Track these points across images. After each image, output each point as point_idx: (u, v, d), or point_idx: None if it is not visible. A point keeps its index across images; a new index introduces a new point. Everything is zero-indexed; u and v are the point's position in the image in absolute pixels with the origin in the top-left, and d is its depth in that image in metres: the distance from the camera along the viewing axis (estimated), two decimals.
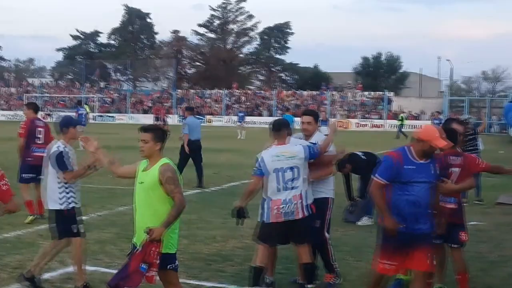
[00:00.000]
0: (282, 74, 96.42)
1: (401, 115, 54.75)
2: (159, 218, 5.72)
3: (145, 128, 5.91)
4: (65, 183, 7.32)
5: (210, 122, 66.72)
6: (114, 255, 8.95)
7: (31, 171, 11.17)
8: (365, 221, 11.79)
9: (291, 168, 6.97)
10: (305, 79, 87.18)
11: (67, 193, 7.37)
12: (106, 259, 8.73)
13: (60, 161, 7.25)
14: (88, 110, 68.37)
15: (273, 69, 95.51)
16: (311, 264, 7.21)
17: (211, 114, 70.92)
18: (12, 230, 10.32)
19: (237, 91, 77.96)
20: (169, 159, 5.98)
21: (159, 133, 5.99)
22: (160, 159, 5.90)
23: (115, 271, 7.60)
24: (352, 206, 12.06)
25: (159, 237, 5.64)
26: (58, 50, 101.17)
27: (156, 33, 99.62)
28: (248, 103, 73.41)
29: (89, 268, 8.00)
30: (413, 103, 70.54)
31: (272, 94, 73.06)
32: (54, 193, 7.36)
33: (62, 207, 7.34)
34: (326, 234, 7.62)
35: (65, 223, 7.37)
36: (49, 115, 65.36)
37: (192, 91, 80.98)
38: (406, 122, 52.52)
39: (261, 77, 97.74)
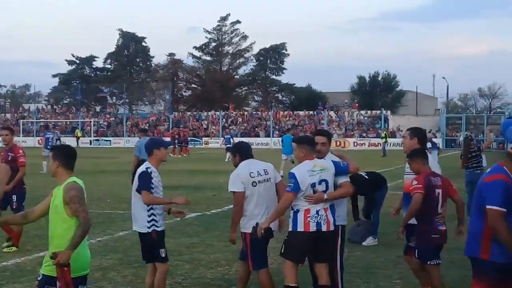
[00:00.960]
0: (278, 95, 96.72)
1: (384, 132, 54.53)
2: (67, 240, 5.46)
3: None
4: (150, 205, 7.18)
5: (207, 144, 66.64)
6: (117, 282, 8.76)
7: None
8: (370, 241, 11.60)
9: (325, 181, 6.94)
10: (301, 99, 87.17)
11: (155, 215, 7.22)
12: (108, 287, 8.53)
13: (142, 179, 7.11)
14: (79, 134, 68.67)
15: (269, 89, 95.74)
16: (328, 286, 7.01)
17: (208, 136, 70.77)
18: (11, 258, 10.09)
19: (233, 112, 77.89)
20: (78, 178, 5.73)
21: (56, 152, 5.81)
22: (67, 179, 5.66)
23: None
24: (358, 225, 11.94)
25: (66, 261, 5.35)
26: (54, 76, 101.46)
27: (152, 57, 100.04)
28: (245, 124, 73.30)
29: None
30: (410, 121, 70.28)
31: (269, 114, 72.98)
32: (140, 215, 7.23)
33: (150, 230, 7.20)
34: (338, 267, 7.42)
35: (153, 247, 7.25)
36: (58, 139, 64.92)
37: (188, 113, 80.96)
38: (389, 140, 52.24)
39: (258, 98, 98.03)
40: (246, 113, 79.64)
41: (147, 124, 76.07)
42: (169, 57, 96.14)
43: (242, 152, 7.42)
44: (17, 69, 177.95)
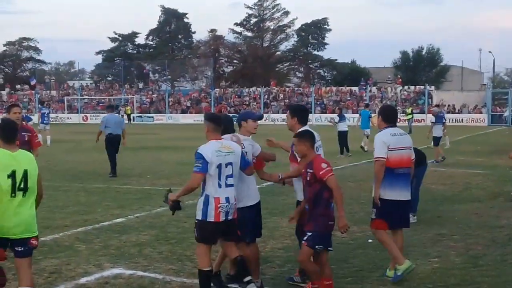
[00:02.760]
0: (320, 71, 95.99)
1: (410, 108, 53.35)
2: None
3: None
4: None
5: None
6: (152, 258, 8.73)
7: None
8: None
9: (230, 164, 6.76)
10: (344, 75, 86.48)
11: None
12: (144, 262, 8.49)
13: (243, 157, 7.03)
14: (129, 111, 69.22)
15: (311, 65, 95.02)
16: (241, 256, 6.90)
17: None
18: (50, 234, 10.11)
19: (275, 88, 77.56)
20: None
21: None
22: None
23: (152, 275, 7.79)
24: None
25: None
26: (98, 53, 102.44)
27: (193, 33, 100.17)
28: (286, 101, 72.93)
29: (126, 271, 7.92)
30: (455, 96, 69.31)
31: (311, 90, 72.44)
32: (253, 188, 7.28)
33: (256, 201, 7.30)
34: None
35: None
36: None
37: (230, 89, 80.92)
38: (415, 116, 51.00)
39: (299, 74, 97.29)
40: (287, 89, 79.27)
41: (189, 101, 76.34)
42: (210, 33, 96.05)
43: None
44: (62, 46, 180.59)
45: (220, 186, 6.62)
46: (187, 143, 31.15)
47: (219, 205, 6.58)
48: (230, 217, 6.68)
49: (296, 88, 79.56)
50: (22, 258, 6.06)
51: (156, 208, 12.41)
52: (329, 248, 6.83)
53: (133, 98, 76.81)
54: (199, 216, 6.67)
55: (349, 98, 71.23)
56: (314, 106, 68.09)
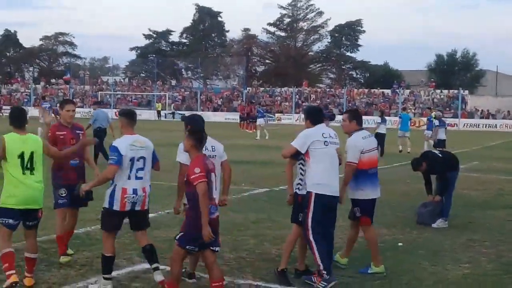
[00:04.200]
0: (352, 72, 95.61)
1: (433, 113, 52.05)
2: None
3: None
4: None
5: (279, 120, 66.35)
6: None
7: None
8: (440, 223, 11.21)
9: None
10: (376, 77, 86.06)
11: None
12: None
13: None
14: (159, 108, 69.71)
15: (343, 67, 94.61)
16: (152, 245, 7.25)
17: (281, 112, 70.55)
18: (82, 227, 10.08)
19: (306, 89, 77.25)
20: (10, 134, 7.05)
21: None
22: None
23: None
24: (424, 207, 11.49)
25: None
26: (132, 49, 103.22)
27: (226, 31, 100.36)
28: (318, 101, 72.64)
29: (152, 266, 7.82)
30: (489, 101, 68.44)
31: (343, 92, 72.04)
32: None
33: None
34: (310, 235, 7.29)
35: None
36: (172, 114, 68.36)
37: (261, 89, 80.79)
38: (466, 120, 49.65)
39: (331, 75, 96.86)
40: (319, 90, 78.80)
41: (221, 99, 76.38)
42: (243, 32, 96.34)
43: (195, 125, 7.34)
44: (97, 42, 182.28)
45: (129, 178, 6.95)
46: (218, 141, 30.94)
47: (125, 196, 6.91)
48: (137, 208, 7.00)
49: (328, 89, 79.16)
50: (30, 229, 7.16)
51: (187, 205, 12.46)
52: (213, 248, 6.64)
53: (165, 95, 77.12)
54: (105, 205, 7.00)
55: (381, 100, 70.68)
56: (346, 107, 67.66)
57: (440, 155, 11.59)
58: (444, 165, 11.18)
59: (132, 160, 6.92)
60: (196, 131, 6.83)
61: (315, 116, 7.64)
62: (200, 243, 6.49)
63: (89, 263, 8.16)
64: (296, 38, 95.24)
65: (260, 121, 38.04)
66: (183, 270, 7.14)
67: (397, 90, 71.24)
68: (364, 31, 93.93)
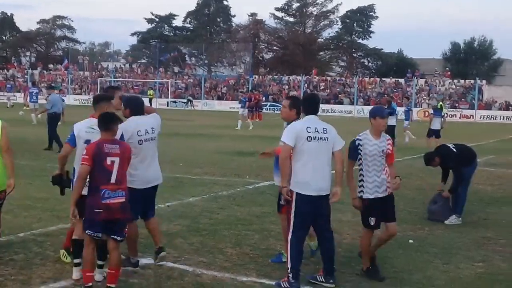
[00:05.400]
0: (364, 60, 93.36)
1: (440, 103, 48.50)
2: None
3: None
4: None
5: None
6: (183, 249, 8.54)
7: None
8: (453, 220, 10.96)
9: None
10: (389, 65, 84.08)
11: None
12: (174, 253, 8.25)
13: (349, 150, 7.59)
14: (151, 95, 66.40)
15: (354, 54, 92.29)
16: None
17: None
18: None
19: (316, 77, 74.35)
20: None
21: None
22: None
23: (182, 267, 7.67)
24: (434, 203, 11.25)
25: None
26: (133, 34, 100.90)
27: (232, 16, 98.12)
28: (327, 91, 69.58)
29: (155, 263, 7.73)
30: (507, 92, 65.65)
31: (354, 81, 68.98)
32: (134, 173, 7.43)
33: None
34: (290, 234, 7.12)
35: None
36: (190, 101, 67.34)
37: (269, 76, 78.11)
38: (482, 112, 46.30)
39: (342, 63, 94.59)
40: (329, 78, 75.90)
41: (226, 87, 73.52)
42: (250, 17, 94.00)
43: (133, 108, 7.57)
44: (97, 26, 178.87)
45: None
46: (223, 131, 31.91)
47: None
48: None
49: (338, 78, 76.23)
50: None
51: (188, 198, 12.38)
52: (114, 237, 6.56)
53: (168, 82, 74.15)
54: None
55: (394, 90, 67.59)
56: (357, 97, 64.68)
57: (454, 150, 11.25)
58: (458, 161, 11.02)
59: (87, 142, 6.86)
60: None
61: (308, 105, 7.41)
62: (96, 229, 6.50)
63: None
64: (305, 24, 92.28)
65: (241, 110, 37.40)
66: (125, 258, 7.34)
67: (411, 80, 68.04)
68: (376, 17, 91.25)
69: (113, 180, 6.46)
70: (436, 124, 24.62)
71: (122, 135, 7.03)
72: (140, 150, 7.34)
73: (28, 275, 7.12)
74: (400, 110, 34.81)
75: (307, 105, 7.41)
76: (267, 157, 8.77)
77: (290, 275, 7.00)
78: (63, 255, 7.65)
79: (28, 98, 33.58)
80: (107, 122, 6.58)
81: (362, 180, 7.50)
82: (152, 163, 7.56)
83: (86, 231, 6.55)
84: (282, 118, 7.90)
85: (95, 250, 6.67)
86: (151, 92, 67.73)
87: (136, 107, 7.53)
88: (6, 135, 7.36)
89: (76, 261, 7.03)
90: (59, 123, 20.57)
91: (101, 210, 6.40)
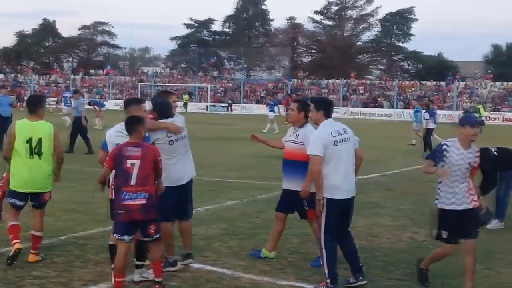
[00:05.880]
0: (404, 63, 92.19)
1: (479, 106, 46.97)
2: None
3: None
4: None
5: None
6: (221, 252, 8.54)
7: None
8: (495, 224, 10.74)
9: None
10: (429, 68, 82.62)
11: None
12: (212, 257, 8.31)
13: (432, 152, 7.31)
14: (186, 99, 66.67)
15: (394, 57, 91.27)
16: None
17: None
18: None
19: (354, 81, 73.83)
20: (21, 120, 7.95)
21: None
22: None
23: (220, 270, 7.66)
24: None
25: None
26: (172, 39, 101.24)
27: (271, 20, 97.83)
28: (366, 94, 69.10)
29: (194, 265, 7.81)
30: None
31: (393, 84, 68.31)
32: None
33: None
34: (322, 236, 7.01)
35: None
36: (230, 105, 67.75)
37: (307, 80, 77.71)
38: (485, 113, 44.44)
39: (381, 66, 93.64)
40: (368, 82, 75.28)
41: (264, 91, 73.48)
42: (288, 21, 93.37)
43: (160, 111, 7.59)
44: (137, 31, 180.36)
45: None
46: (261, 135, 30.43)
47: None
48: None
49: (377, 82, 75.62)
50: (37, 209, 7.87)
51: (227, 201, 12.38)
52: (147, 239, 6.73)
53: (207, 86, 74.46)
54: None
55: (434, 93, 66.77)
56: (397, 100, 64.05)
57: (495, 153, 10.96)
58: (497, 164, 10.71)
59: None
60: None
61: (330, 107, 7.34)
62: (120, 231, 6.58)
63: (127, 259, 7.29)
64: (344, 27, 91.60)
65: (271, 114, 36.97)
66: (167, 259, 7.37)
67: (451, 82, 67.16)
68: (416, 20, 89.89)
69: (132, 182, 6.53)
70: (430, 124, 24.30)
71: (148, 137, 7.13)
72: (172, 150, 7.41)
73: (69, 278, 7.18)
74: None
75: (328, 108, 7.29)
76: (256, 140, 8.70)
77: (328, 280, 6.94)
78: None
79: (62, 102, 33.97)
80: (130, 125, 6.71)
81: (439, 188, 7.14)
82: (184, 161, 7.61)
83: (114, 235, 6.72)
84: (291, 121, 8.02)
85: (127, 255, 6.71)
86: (186, 96, 68.11)
87: (162, 110, 7.55)
88: (58, 139, 7.90)
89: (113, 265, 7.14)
90: (86, 126, 21.45)
91: (122, 212, 6.53)
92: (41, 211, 7.87)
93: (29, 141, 7.58)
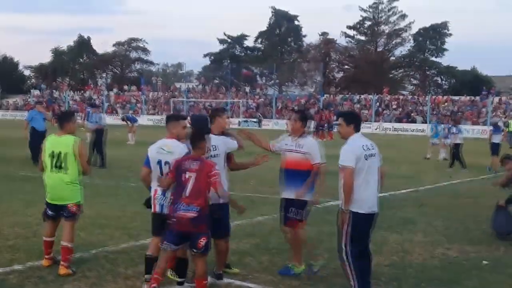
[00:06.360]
0: (437, 78, 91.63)
1: (509, 120, 45.59)
2: None
3: None
4: None
5: None
6: (252, 267, 8.55)
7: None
8: None
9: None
10: (463, 83, 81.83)
11: None
12: (243, 272, 8.30)
13: None
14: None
15: (427, 72, 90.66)
16: (181, 259, 7.27)
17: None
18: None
19: (387, 96, 73.29)
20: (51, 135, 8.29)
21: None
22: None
23: (251, 285, 7.70)
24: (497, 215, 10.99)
25: None
26: (206, 55, 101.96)
27: (303, 36, 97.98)
28: (400, 109, 68.51)
29: (224, 279, 7.82)
30: None
31: (427, 99, 67.67)
32: None
33: None
34: (345, 249, 6.98)
35: None
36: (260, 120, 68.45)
37: (340, 96, 77.35)
38: None
39: (414, 81, 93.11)
40: (401, 97, 74.65)
41: (296, 106, 73.37)
42: (321, 36, 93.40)
43: (197, 126, 7.67)
44: (171, 47, 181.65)
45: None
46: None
47: (155, 196, 7.19)
48: (165, 211, 7.07)
49: (410, 97, 75.00)
50: (66, 220, 8.07)
51: (258, 216, 12.29)
52: (193, 250, 6.91)
53: (239, 102, 74.64)
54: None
55: (468, 108, 65.97)
56: (430, 116, 63.45)
57: None
58: None
59: (159, 163, 7.18)
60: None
61: (359, 122, 7.37)
62: (167, 239, 6.86)
63: None
64: (377, 42, 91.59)
65: None
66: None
67: (486, 97, 66.24)
68: (450, 34, 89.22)
69: (187, 193, 6.77)
70: (496, 139, 24.30)
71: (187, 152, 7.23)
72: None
73: (70, 271, 7.36)
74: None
75: (358, 122, 7.32)
76: (245, 136, 8.48)
77: None
78: (170, 274, 7.66)
79: (86, 118, 34.48)
80: (193, 141, 7.04)
81: None
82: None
83: (163, 243, 6.90)
84: (291, 130, 8.21)
85: (167, 262, 6.96)
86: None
87: (202, 126, 7.66)
88: (82, 154, 8.10)
89: (146, 277, 7.17)
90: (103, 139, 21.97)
91: (174, 220, 6.79)
92: (70, 222, 8.03)
93: (53, 155, 7.91)
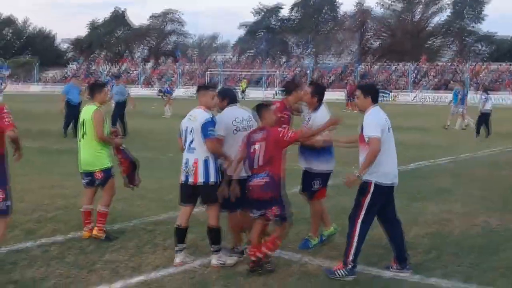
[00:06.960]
0: (476, 46, 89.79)
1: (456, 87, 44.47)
2: None
3: None
4: None
5: (394, 100, 60.77)
6: (288, 238, 8.00)
7: None
8: None
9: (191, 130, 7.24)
10: (503, 50, 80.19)
11: None
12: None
13: None
14: (243, 87, 66.34)
15: (466, 40, 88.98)
16: (215, 228, 7.30)
17: (398, 89, 65.95)
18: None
19: (425, 65, 72.18)
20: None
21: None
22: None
23: (288, 256, 7.69)
24: None
25: None
26: (241, 26, 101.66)
27: (339, 5, 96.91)
28: (437, 78, 67.58)
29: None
30: None
31: (465, 67, 66.51)
32: None
33: None
34: (358, 224, 6.94)
35: None
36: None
37: (376, 65, 76.43)
38: None
39: (453, 49, 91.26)
40: (439, 66, 73.46)
41: (332, 76, 72.89)
42: (357, 6, 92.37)
43: (230, 98, 7.59)
44: (206, 19, 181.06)
45: (185, 148, 7.26)
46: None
47: (182, 166, 7.23)
48: (190, 180, 7.13)
49: (449, 63, 73.78)
50: (98, 186, 8.37)
51: (294, 188, 10.81)
52: (252, 214, 7.12)
53: (275, 73, 74.37)
54: None
55: (509, 76, 64.79)
56: (468, 84, 62.43)
57: None
58: None
59: (185, 131, 7.28)
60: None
61: (378, 94, 7.28)
62: (253, 207, 7.02)
63: (194, 245, 7.99)
64: (413, 10, 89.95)
65: None
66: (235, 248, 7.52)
67: None
68: (489, 0, 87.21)
69: (255, 165, 6.97)
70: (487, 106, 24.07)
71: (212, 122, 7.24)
72: (234, 139, 7.29)
73: (139, 262, 7.32)
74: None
75: (376, 94, 7.20)
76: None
77: (349, 266, 6.93)
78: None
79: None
80: (258, 112, 7.14)
81: None
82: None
83: (250, 212, 7.09)
84: (307, 102, 8.20)
85: (260, 232, 7.11)
86: (243, 84, 67.85)
87: (232, 97, 7.60)
88: (95, 121, 8.15)
89: (177, 247, 7.25)
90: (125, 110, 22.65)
91: (250, 189, 6.97)
92: (104, 188, 8.26)
93: (82, 124, 8.22)
